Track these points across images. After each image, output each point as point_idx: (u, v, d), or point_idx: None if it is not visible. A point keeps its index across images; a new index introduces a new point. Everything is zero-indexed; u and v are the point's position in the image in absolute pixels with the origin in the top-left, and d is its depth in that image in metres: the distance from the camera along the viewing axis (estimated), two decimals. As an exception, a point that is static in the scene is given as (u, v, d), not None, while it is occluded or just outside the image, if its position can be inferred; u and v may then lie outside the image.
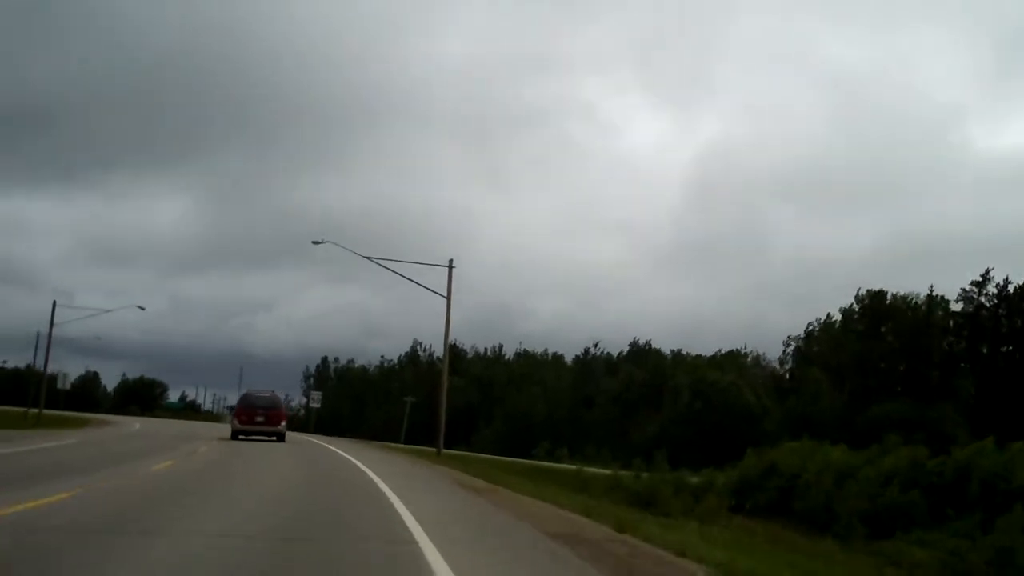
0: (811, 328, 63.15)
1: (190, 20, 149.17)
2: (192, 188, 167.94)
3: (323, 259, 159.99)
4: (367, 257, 34.91)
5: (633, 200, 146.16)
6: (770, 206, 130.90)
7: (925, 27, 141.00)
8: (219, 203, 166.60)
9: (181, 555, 7.80)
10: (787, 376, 63.60)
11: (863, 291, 61.31)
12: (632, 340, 77.29)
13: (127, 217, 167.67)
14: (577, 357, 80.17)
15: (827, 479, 34.09)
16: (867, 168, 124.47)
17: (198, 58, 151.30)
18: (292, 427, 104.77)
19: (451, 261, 34.79)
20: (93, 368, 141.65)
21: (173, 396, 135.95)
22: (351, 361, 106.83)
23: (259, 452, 26.66)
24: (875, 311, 59.41)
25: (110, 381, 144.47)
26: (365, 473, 19.56)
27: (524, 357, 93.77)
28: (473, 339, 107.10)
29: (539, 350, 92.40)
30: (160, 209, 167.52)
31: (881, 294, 60.37)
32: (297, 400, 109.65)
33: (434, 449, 39.47)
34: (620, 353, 77.83)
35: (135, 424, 60.23)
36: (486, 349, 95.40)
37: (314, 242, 34.56)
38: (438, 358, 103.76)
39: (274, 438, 34.20)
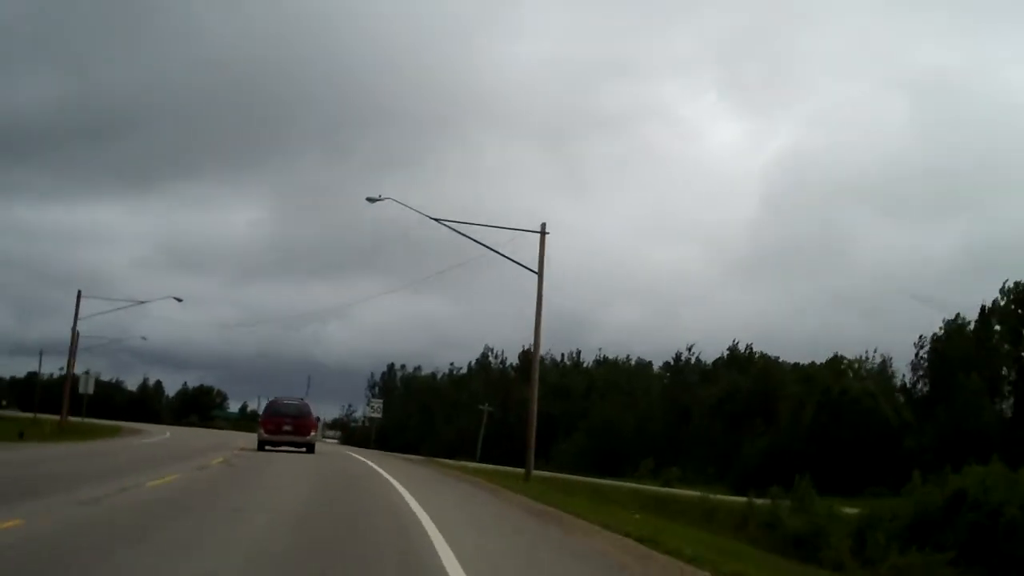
0: (946, 327, 53.76)
1: (266, 26, 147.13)
2: (265, 195, 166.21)
3: (394, 267, 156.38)
4: (436, 219, 27.27)
5: (710, 205, 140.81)
6: (849, 212, 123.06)
7: (1010, 29, 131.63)
8: (291, 210, 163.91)
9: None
10: (921, 385, 54.32)
11: (1010, 283, 51.86)
12: (732, 343, 68.62)
13: (200, 225, 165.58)
14: (668, 363, 71.66)
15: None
16: (948, 174, 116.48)
17: (274, 65, 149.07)
18: (353, 441, 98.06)
19: (543, 226, 26.99)
20: (159, 377, 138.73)
21: (234, 406, 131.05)
22: (418, 368, 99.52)
23: (275, 470, 22.13)
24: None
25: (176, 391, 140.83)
26: (422, 530, 10.86)
27: (605, 365, 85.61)
28: (545, 346, 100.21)
29: (620, 356, 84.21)
30: (233, 216, 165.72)
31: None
32: (361, 410, 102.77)
33: (516, 470, 31.92)
34: (719, 359, 69.09)
35: (166, 433, 55.48)
36: (563, 355, 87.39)
37: (369, 199, 27.01)
38: (511, 365, 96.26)
39: (303, 449, 32.20)
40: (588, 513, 15.91)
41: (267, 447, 32.40)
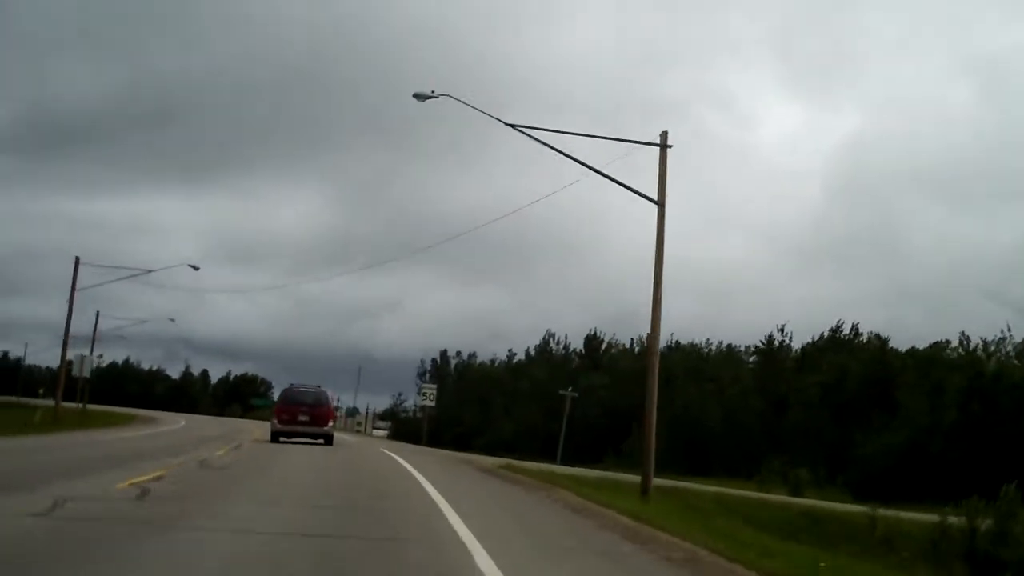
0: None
1: (320, 15, 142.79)
2: (319, 187, 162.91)
3: (450, 258, 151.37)
4: (511, 125, 19.46)
5: (765, 193, 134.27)
6: (911, 201, 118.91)
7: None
8: (346, 202, 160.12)
9: None
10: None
11: None
12: (836, 323, 59.94)
13: (254, 216, 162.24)
14: (758, 348, 63.20)
15: None
16: (1017, 163, 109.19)
17: (327, 53, 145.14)
18: (403, 435, 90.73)
19: (664, 136, 19.06)
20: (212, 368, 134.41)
21: (278, 395, 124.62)
22: (473, 356, 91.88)
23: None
24: None
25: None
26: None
27: (679, 350, 77.27)
28: (607, 332, 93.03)
29: (698, 340, 75.76)
30: (287, 208, 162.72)
31: None
32: (412, 401, 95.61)
33: (607, 476, 24.30)
34: (813, 341, 60.56)
35: (180, 422, 52.11)
36: (632, 340, 79.19)
37: (418, 95, 19.43)
38: (575, 351, 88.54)
39: (320, 440, 30.38)
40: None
41: (281, 438, 30.40)
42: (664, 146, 19.06)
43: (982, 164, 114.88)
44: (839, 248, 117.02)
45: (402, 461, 23.00)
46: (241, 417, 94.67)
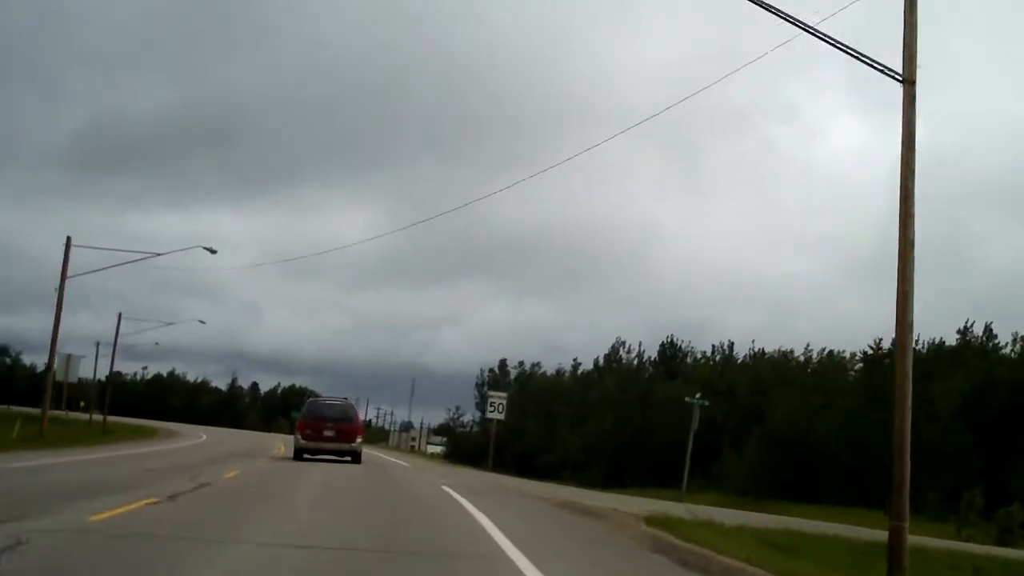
0: None
1: (379, 30, 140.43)
2: (378, 201, 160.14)
3: (507, 270, 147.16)
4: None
5: (831, 208, 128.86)
6: (979, 215, 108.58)
7: None
8: (404, 215, 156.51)
9: None
10: None
11: None
12: (966, 323, 51.41)
13: (313, 231, 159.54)
14: (865, 354, 54.81)
15: None
16: None
17: (387, 68, 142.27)
18: (461, 454, 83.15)
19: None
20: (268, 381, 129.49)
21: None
22: (536, 365, 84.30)
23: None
24: None
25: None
26: None
27: (763, 360, 68.89)
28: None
29: (785, 347, 67.28)
30: (345, 222, 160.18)
31: None
32: (470, 415, 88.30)
33: (788, 526, 16.58)
34: (935, 347, 52.08)
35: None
36: (714, 347, 71.13)
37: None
38: (649, 360, 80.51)
39: (347, 458, 28.93)
40: None
41: (305, 455, 28.84)
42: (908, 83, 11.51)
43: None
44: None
45: (484, 521, 14.74)
46: (290, 432, 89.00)
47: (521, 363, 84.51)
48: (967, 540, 24.18)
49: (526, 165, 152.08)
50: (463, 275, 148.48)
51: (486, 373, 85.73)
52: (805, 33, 10.98)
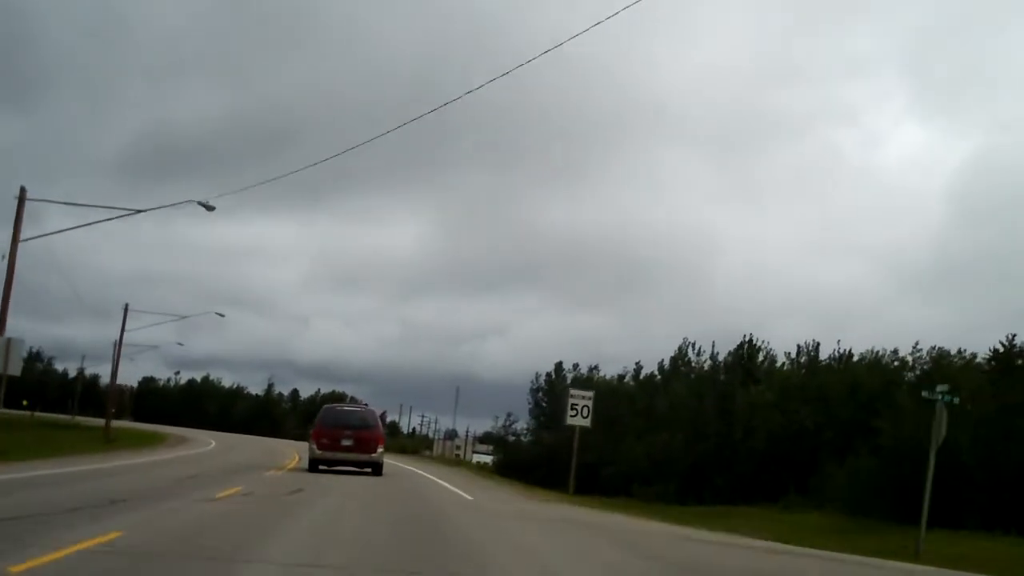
0: None
1: (431, 34, 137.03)
2: (430, 209, 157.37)
3: (556, 279, 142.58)
4: None
5: (889, 216, 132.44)
6: None
7: None
8: (456, 224, 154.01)
9: None
10: None
11: None
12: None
13: (364, 239, 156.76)
14: (996, 353, 47.00)
15: None
16: None
17: (439, 73, 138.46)
18: (513, 467, 75.70)
19: None
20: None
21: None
22: (595, 369, 77.26)
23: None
24: None
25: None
26: None
27: (854, 364, 60.83)
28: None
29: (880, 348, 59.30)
30: (397, 230, 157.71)
31: None
32: (523, 422, 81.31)
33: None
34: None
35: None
36: (799, 347, 63.50)
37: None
38: (723, 362, 72.76)
39: (367, 470, 27.18)
40: None
41: (321, 466, 27.47)
42: None
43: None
44: (959, 271, 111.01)
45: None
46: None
47: (575, 366, 77.51)
48: None
49: (577, 170, 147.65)
50: (510, 283, 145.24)
51: (542, 378, 78.80)
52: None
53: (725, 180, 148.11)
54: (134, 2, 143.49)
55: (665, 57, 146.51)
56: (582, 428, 72.27)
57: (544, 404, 77.04)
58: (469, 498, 21.34)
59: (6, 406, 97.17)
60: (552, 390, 77.21)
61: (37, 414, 77.77)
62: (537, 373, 79.28)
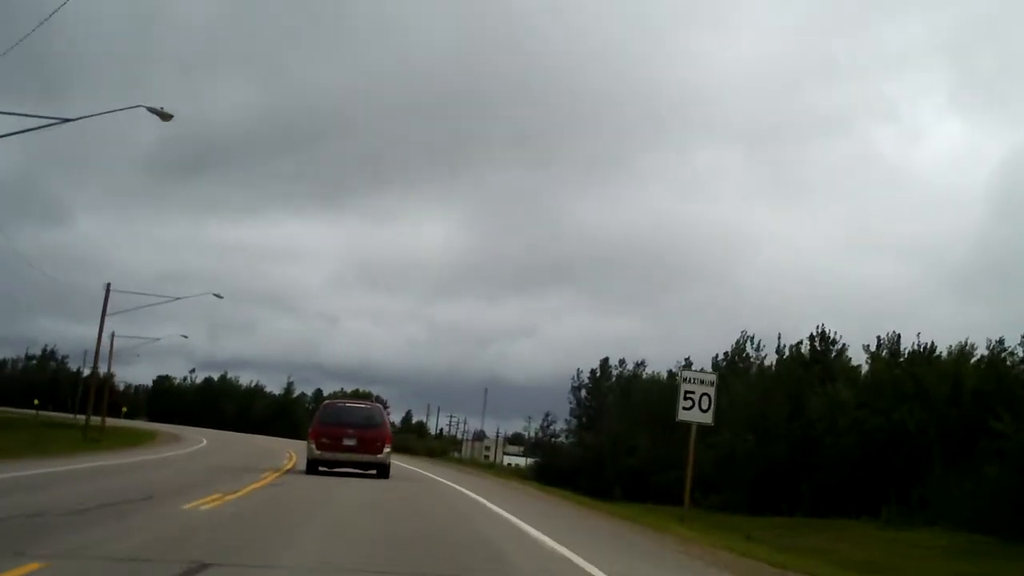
0: None
1: (462, 31, 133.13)
2: (461, 207, 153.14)
3: (587, 279, 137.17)
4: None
5: (928, 213, 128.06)
6: None
7: None
8: (486, 223, 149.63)
9: None
10: None
11: None
12: None
13: (394, 239, 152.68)
14: None
15: None
16: None
17: (471, 69, 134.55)
18: (557, 474, 67.58)
19: None
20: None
21: (397, 413, 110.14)
22: (641, 365, 70.23)
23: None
24: None
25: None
26: None
27: (930, 358, 53.19)
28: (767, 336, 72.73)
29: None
30: (427, 230, 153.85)
31: None
32: (562, 421, 74.45)
33: None
34: None
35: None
36: (880, 339, 56.21)
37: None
38: (790, 357, 65.24)
39: (371, 471, 24.74)
40: None
41: (321, 467, 24.77)
42: None
43: None
44: (1000, 269, 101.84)
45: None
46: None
47: (622, 362, 70.55)
48: None
49: (610, 168, 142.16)
50: (540, 283, 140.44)
51: (584, 374, 71.98)
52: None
53: (761, 177, 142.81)
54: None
55: (701, 53, 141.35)
56: (622, 431, 66.80)
57: (588, 403, 70.24)
58: (550, 543, 12.45)
59: (19, 405, 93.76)
60: (597, 388, 70.39)
61: (41, 413, 74.55)
62: (579, 369, 72.42)
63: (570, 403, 70.80)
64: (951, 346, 50.07)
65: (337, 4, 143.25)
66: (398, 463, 38.02)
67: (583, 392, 69.53)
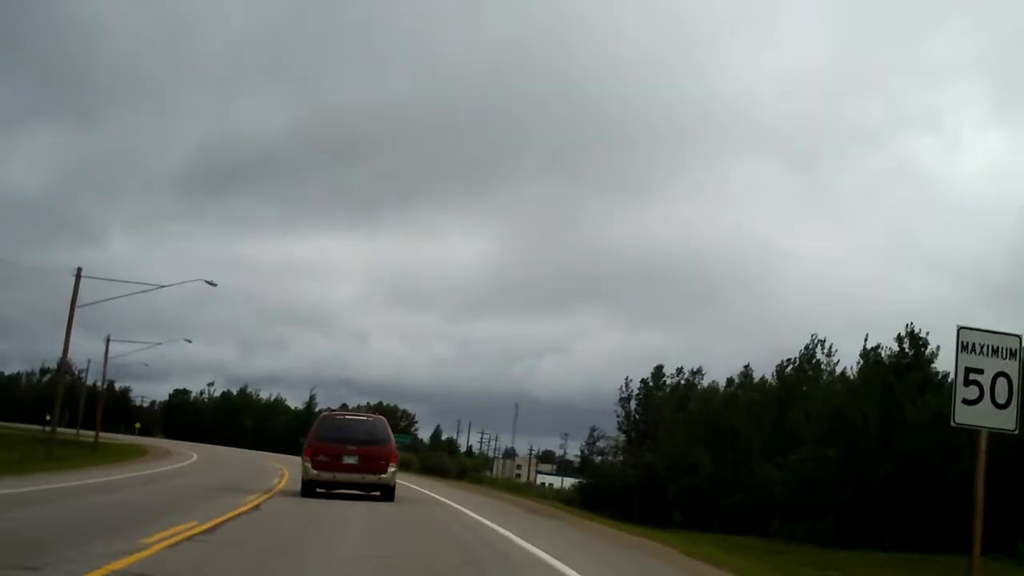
0: None
1: (497, 46, 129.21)
2: (493, 224, 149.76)
3: (622, 296, 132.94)
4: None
5: (968, 226, 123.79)
6: None
7: None
8: (517, 240, 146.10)
9: None
10: None
11: None
12: None
13: (427, 255, 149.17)
14: None
15: None
16: None
17: (505, 85, 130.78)
18: (604, 498, 59.32)
19: None
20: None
21: (425, 430, 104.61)
22: (698, 373, 63.16)
23: None
24: None
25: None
26: None
27: None
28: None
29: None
30: (458, 247, 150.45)
31: None
32: (608, 437, 67.36)
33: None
34: None
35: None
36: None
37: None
38: (880, 359, 57.58)
39: (375, 493, 22.59)
40: None
41: (319, 489, 22.54)
42: None
43: None
44: None
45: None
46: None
47: (679, 370, 63.54)
48: None
49: (644, 183, 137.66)
50: (571, 300, 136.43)
51: (635, 384, 64.95)
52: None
53: (797, 191, 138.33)
54: (198, 13, 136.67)
55: (738, 66, 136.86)
56: (681, 449, 60.35)
57: (638, 416, 63.29)
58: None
59: (31, 421, 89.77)
60: (649, 400, 63.46)
61: (46, 429, 71.14)
62: (627, 378, 65.44)
63: (617, 416, 63.80)
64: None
65: (369, 22, 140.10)
66: (426, 491, 33.90)
67: (633, 404, 62.44)
